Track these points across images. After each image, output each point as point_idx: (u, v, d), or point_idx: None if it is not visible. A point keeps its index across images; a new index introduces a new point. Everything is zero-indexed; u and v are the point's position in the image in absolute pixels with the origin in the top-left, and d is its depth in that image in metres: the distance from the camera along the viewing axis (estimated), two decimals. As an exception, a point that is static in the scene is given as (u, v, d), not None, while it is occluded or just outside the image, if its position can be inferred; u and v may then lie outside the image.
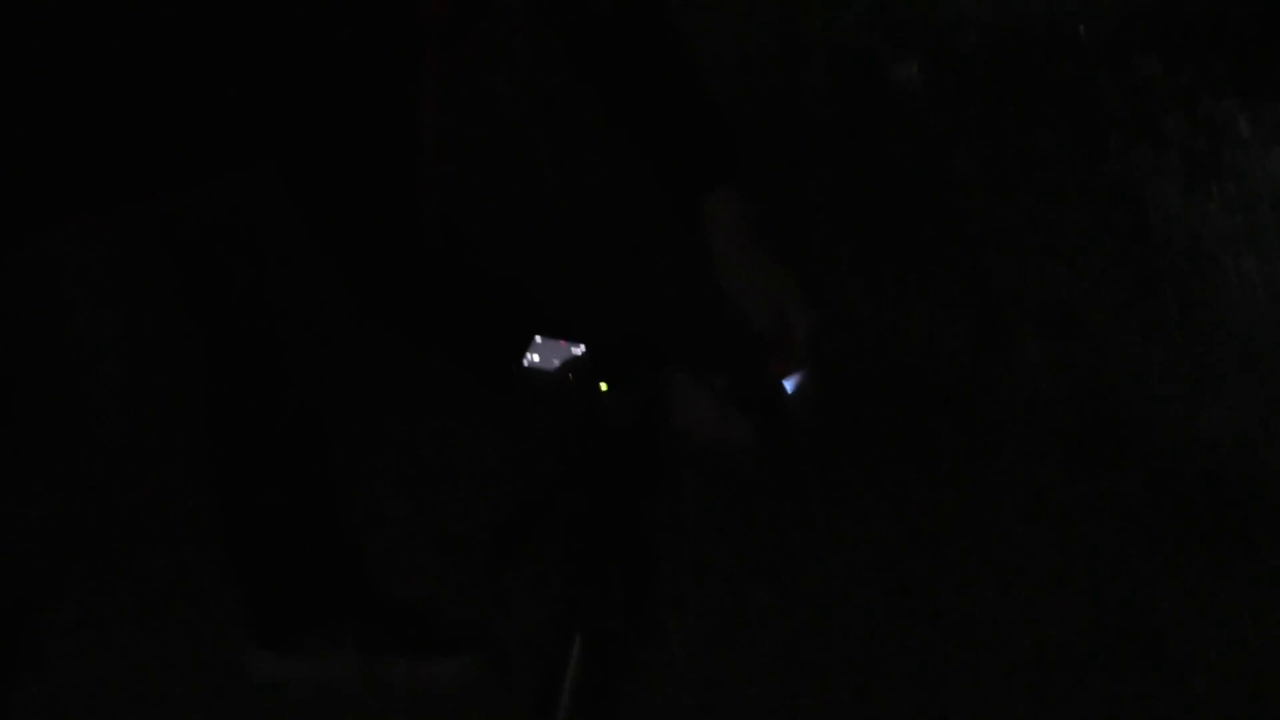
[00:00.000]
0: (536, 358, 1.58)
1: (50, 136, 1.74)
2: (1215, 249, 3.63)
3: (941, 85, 4.04)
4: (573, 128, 3.43)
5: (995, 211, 3.79)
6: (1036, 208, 3.82)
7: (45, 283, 1.91)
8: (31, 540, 2.17)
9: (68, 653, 2.41)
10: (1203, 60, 3.99)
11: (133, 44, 1.71)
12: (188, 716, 2.34)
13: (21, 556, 2.27)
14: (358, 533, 2.36)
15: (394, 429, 2.97)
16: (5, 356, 2.16)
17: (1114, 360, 3.32)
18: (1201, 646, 2.53)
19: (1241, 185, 3.79)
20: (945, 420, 3.14)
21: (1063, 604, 2.62)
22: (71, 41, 1.71)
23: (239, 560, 2.32)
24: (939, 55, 4.07)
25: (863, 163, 3.89)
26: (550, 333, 1.59)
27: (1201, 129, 3.94)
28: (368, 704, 2.33)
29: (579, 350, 1.57)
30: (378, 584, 2.36)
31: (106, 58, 1.72)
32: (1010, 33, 4.11)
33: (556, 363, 1.57)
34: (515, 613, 2.40)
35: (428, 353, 1.76)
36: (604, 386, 1.58)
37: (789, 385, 1.69)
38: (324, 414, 2.25)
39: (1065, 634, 2.56)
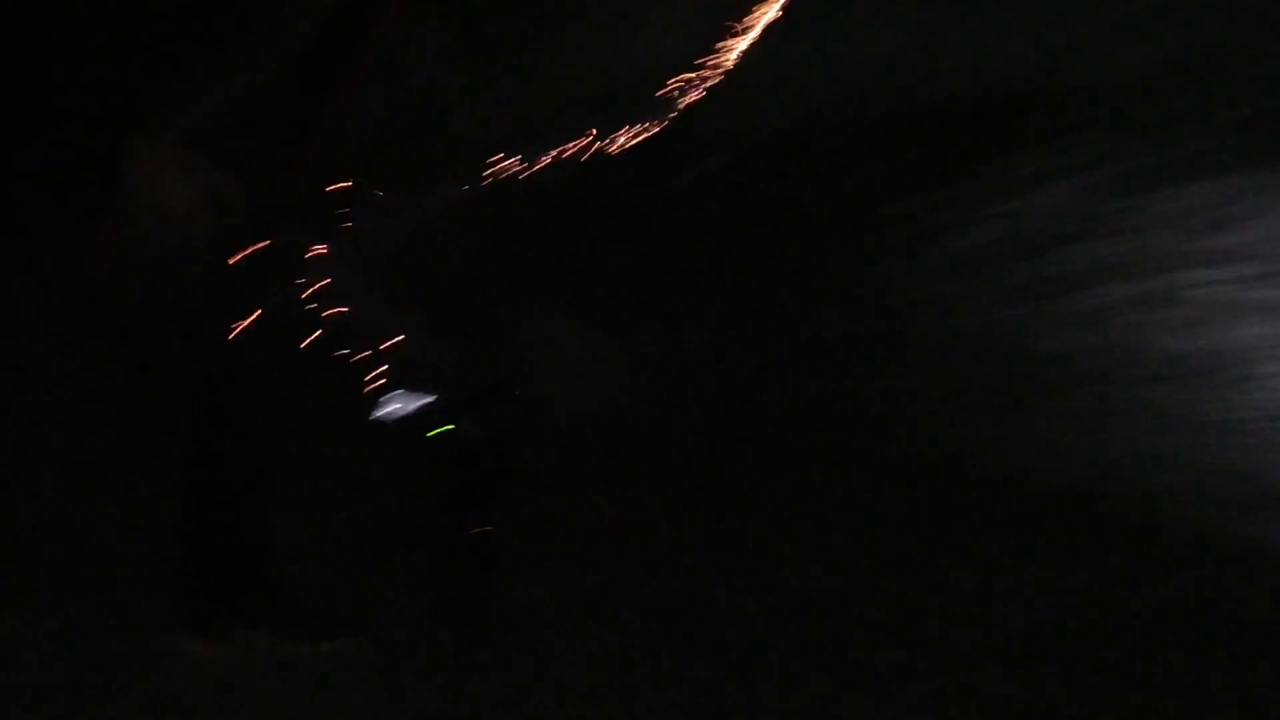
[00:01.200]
0: (397, 405, 2.02)
1: None
2: (925, 310, 4.34)
3: (712, 188, 4.71)
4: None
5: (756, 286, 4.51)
6: (794, 284, 4.51)
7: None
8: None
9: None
10: (908, 155, 4.66)
11: None
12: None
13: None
14: (272, 539, 2.69)
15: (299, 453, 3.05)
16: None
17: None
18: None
19: (944, 257, 4.50)
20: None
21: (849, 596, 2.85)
22: None
23: (178, 563, 2.65)
24: (707, 165, 4.73)
25: (647, 250, 4.58)
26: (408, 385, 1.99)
27: (916, 210, 4.63)
28: (274, 683, 2.57)
29: (431, 399, 1.99)
30: (285, 582, 2.72)
31: None
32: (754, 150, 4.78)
33: (413, 407, 2.00)
34: (394, 604, 2.72)
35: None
36: (452, 427, 1.98)
37: None
38: (254, 435, 2.53)
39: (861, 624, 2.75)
